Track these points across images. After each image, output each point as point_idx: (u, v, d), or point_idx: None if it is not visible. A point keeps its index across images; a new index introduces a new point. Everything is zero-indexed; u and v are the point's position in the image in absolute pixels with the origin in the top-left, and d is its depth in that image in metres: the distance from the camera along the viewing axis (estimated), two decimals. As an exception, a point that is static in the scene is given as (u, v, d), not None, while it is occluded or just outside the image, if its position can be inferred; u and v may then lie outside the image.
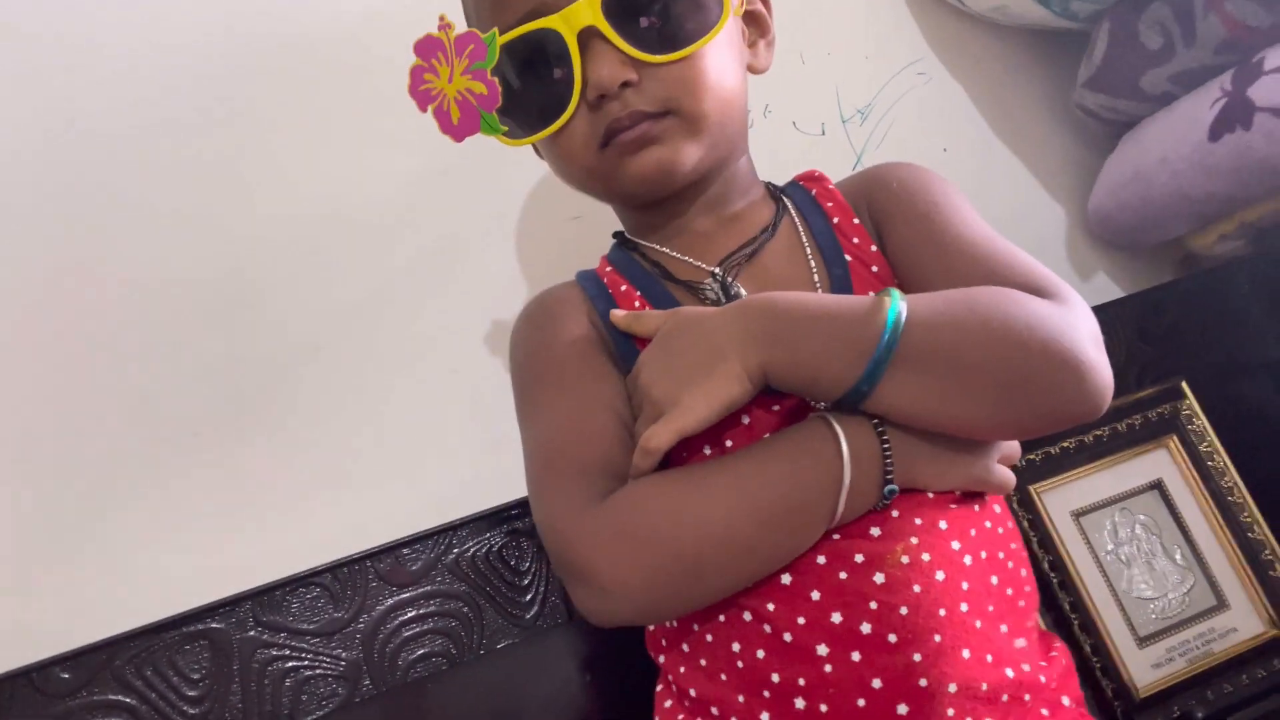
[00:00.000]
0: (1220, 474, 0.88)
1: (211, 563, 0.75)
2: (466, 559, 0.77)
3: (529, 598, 0.78)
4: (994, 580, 0.56)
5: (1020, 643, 0.55)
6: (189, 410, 0.78)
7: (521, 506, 0.78)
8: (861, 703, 0.52)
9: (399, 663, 0.74)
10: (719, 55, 0.59)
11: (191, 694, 0.71)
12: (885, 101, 1.02)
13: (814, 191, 0.67)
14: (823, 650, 0.52)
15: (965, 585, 0.54)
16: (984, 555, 0.56)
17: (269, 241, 0.83)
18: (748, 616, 0.54)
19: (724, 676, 0.55)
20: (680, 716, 0.58)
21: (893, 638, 0.52)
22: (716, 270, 0.62)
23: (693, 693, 0.57)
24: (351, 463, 0.80)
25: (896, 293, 0.52)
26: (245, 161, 0.83)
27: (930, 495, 0.56)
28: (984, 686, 0.52)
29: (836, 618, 0.52)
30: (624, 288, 0.64)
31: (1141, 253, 1.06)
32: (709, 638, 0.56)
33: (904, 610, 0.52)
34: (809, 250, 0.63)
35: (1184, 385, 0.91)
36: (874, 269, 0.62)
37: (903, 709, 0.51)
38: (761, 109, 0.98)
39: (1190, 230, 0.98)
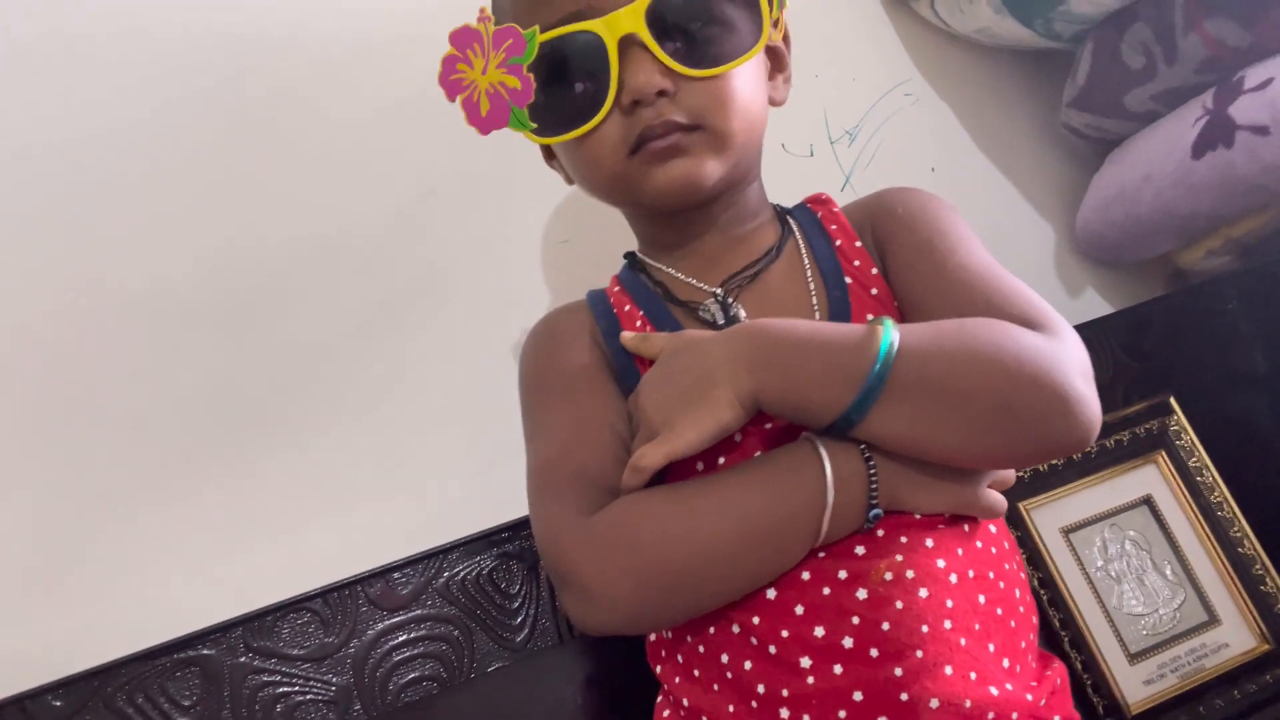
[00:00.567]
0: (1210, 489, 0.88)
1: (201, 588, 0.75)
2: (457, 582, 0.77)
3: (519, 620, 0.78)
4: (981, 599, 0.56)
5: (1008, 662, 0.56)
6: (180, 434, 0.79)
7: (512, 529, 0.79)
8: (843, 714, 0.52)
9: (390, 687, 0.75)
10: (749, 78, 0.61)
11: (183, 720, 0.71)
12: (873, 122, 1.03)
13: (819, 214, 0.68)
14: (805, 663, 0.53)
15: (950, 603, 0.54)
16: (972, 574, 0.56)
17: (263, 265, 0.83)
18: (735, 629, 0.56)
19: (715, 686, 0.57)
20: (676, 725, 0.59)
21: (874, 652, 0.53)
22: (718, 291, 0.63)
23: (686, 702, 0.58)
24: (341, 486, 0.81)
25: (889, 322, 0.53)
26: (245, 181, 0.84)
27: (918, 516, 0.56)
28: (967, 703, 0.52)
29: (819, 631, 0.53)
30: (628, 308, 0.65)
31: (1129, 268, 1.06)
32: (701, 649, 0.57)
33: (886, 625, 0.53)
34: (810, 273, 0.64)
35: (1172, 401, 0.91)
36: (873, 292, 0.63)
37: None
38: (749, 131, 0.99)
39: (1177, 246, 0.99)
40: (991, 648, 0.55)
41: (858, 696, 0.52)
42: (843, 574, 0.54)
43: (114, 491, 0.77)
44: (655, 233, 0.67)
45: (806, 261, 0.64)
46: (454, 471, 0.83)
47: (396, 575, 0.76)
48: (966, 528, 0.58)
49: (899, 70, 1.05)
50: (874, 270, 0.63)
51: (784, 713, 0.54)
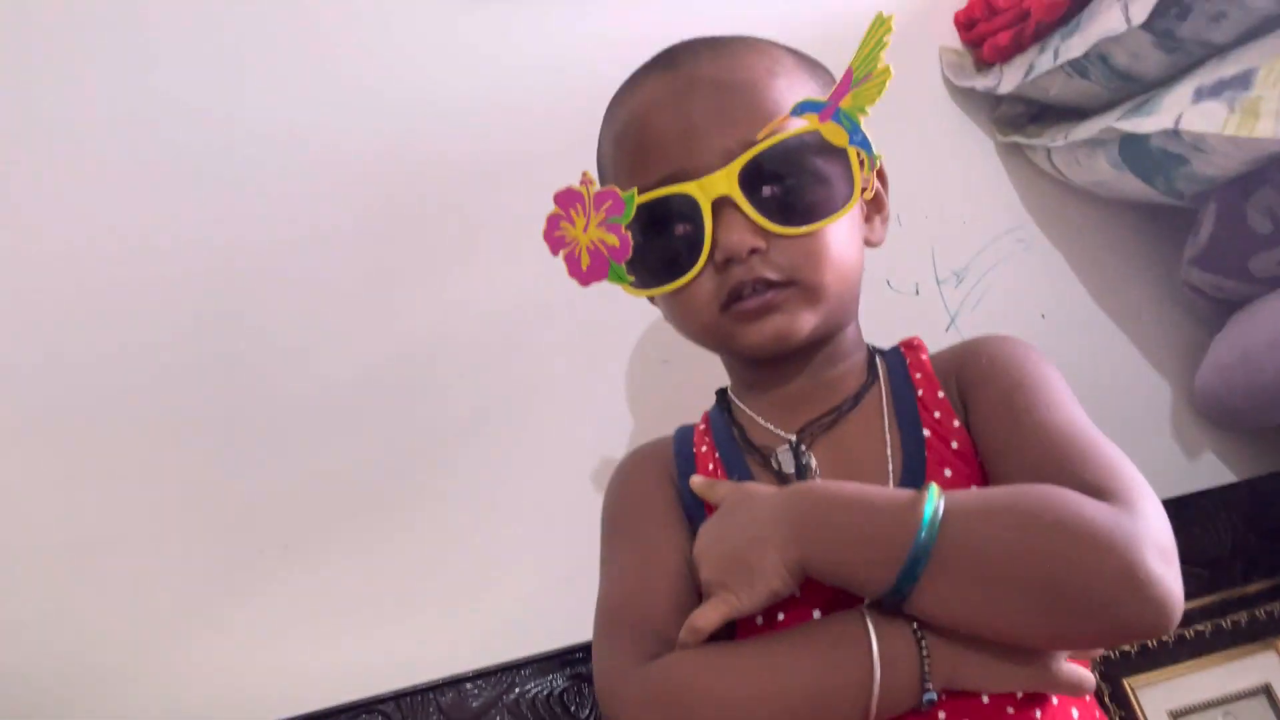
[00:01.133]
0: (1340, 685, 0.81)
1: (274, 684, 0.76)
2: (527, 700, 0.76)
3: (585, 747, 0.76)
4: None
5: None
6: (277, 525, 0.81)
7: (585, 650, 0.77)
8: None
9: (451, 801, 0.73)
10: (843, 230, 0.62)
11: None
12: (982, 265, 1.02)
13: (909, 360, 0.67)
14: None
15: None
16: None
17: (358, 372, 0.87)
18: None
19: None
20: None
21: None
22: (792, 438, 0.63)
23: None
24: (424, 589, 0.81)
25: (935, 489, 0.51)
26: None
27: (985, 700, 0.52)
28: None
29: None
30: (704, 449, 0.66)
31: (1255, 436, 1.01)
32: None
33: None
34: (887, 422, 0.62)
35: (1297, 583, 0.85)
36: (954, 445, 0.61)
37: None
38: (855, 266, 0.99)
39: (1305, 416, 0.94)
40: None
41: None
42: None
43: (213, 578, 0.79)
44: (745, 373, 0.68)
45: (885, 410, 0.63)
46: (535, 585, 0.83)
47: (469, 686, 0.76)
48: (1038, 713, 0.53)
49: (1012, 215, 1.05)
50: (956, 422, 0.61)
51: None
